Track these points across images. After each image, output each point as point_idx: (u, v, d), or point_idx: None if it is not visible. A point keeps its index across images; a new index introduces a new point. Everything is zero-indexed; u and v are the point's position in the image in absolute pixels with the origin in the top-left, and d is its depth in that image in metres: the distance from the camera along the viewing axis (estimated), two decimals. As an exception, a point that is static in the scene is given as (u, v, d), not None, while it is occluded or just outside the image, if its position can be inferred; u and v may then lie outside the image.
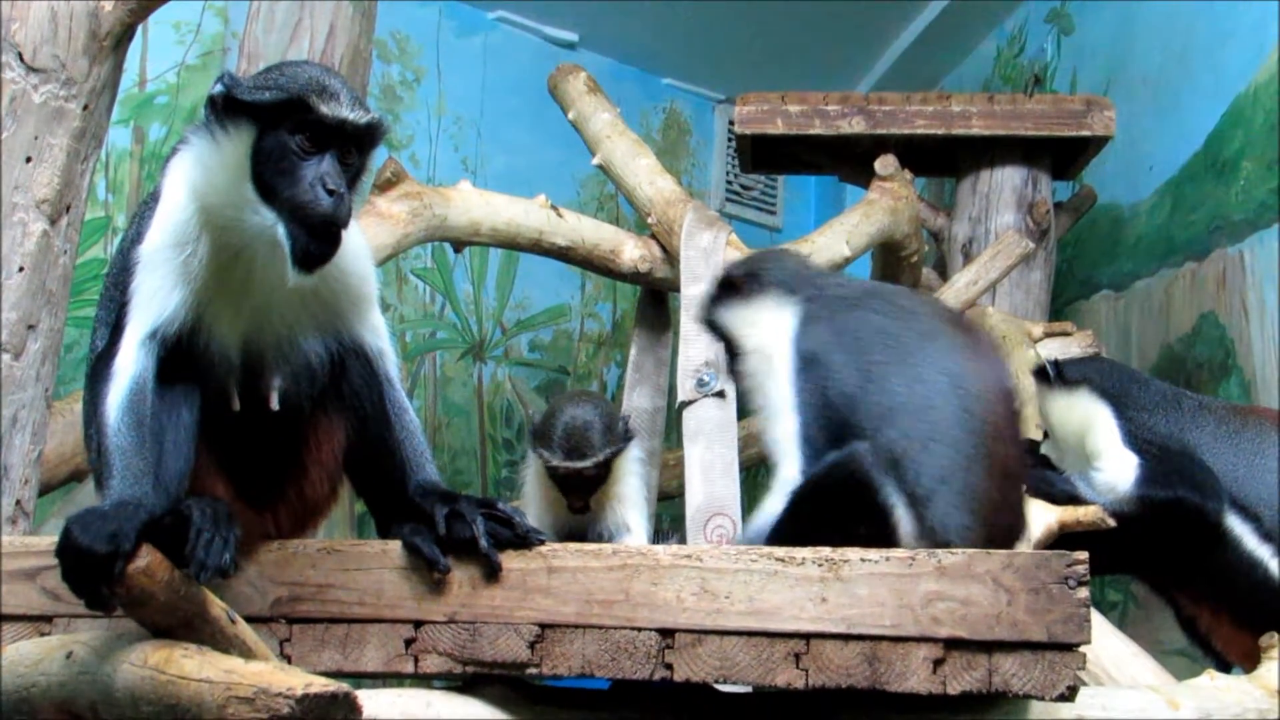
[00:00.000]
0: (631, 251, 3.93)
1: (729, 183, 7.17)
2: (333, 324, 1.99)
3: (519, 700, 1.99)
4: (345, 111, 1.80)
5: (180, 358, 1.87)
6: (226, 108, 1.83)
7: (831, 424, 2.14)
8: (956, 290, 4.33)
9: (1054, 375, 3.03)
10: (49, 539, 2.09)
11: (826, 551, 1.91)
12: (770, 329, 2.32)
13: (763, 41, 6.68)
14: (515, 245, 3.73)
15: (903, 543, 2.05)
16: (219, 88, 1.84)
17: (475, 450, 6.25)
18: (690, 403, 3.54)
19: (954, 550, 1.90)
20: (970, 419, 2.13)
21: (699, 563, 1.93)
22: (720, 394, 3.53)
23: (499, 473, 6.28)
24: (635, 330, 4.11)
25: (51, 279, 2.29)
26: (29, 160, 2.25)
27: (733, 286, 2.43)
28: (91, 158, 2.33)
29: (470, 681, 1.99)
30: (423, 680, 2.00)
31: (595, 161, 4.12)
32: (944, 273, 4.98)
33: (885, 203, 4.36)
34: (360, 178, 1.88)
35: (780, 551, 1.92)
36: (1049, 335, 4.36)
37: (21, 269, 2.25)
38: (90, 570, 1.63)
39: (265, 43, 5.91)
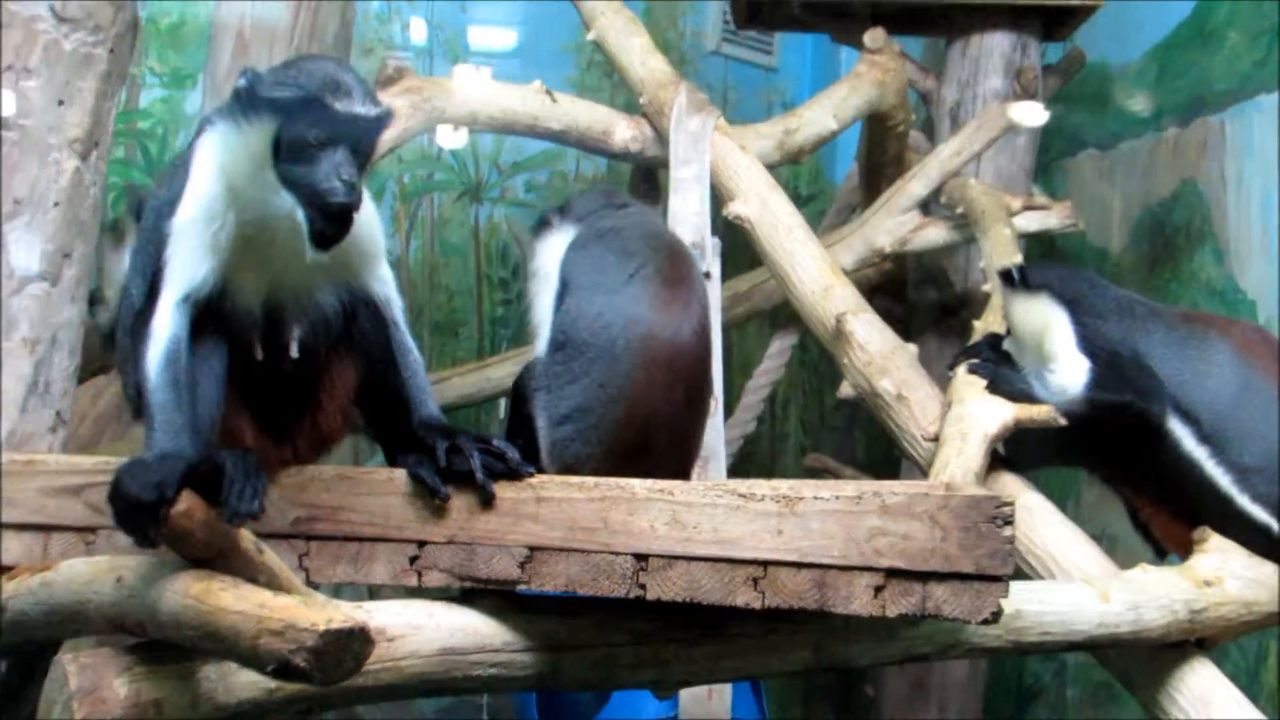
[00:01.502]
0: (623, 132, 4.10)
1: (726, 22, 7.23)
2: (345, 278, 2.21)
3: (509, 609, 2.27)
4: (358, 108, 1.99)
5: (209, 316, 2.10)
6: (250, 101, 2.02)
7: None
8: (941, 160, 4.48)
9: (1018, 279, 3.24)
10: (92, 459, 2.34)
11: (784, 488, 2.16)
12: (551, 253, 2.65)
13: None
14: (511, 130, 3.91)
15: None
16: (243, 82, 2.04)
17: (471, 290, 6.46)
18: (679, 282, 3.73)
19: (897, 491, 2.15)
20: (630, 366, 2.43)
21: (670, 496, 2.18)
22: (707, 274, 3.74)
23: (494, 311, 6.49)
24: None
25: (83, 210, 2.50)
26: (61, 103, 2.43)
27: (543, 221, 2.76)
28: (115, 96, 2.51)
29: (466, 594, 2.25)
30: (424, 592, 2.26)
31: (590, 37, 4.26)
32: (931, 135, 5.12)
33: (873, 75, 4.49)
34: (371, 161, 2.08)
35: (743, 487, 2.17)
36: (1028, 209, 4.52)
37: (57, 204, 2.45)
38: (138, 514, 1.89)
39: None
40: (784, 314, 4.78)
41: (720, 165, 3.91)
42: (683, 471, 2.49)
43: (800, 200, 6.33)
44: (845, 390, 3.62)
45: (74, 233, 2.48)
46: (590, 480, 2.23)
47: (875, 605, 2.11)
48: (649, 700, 3.45)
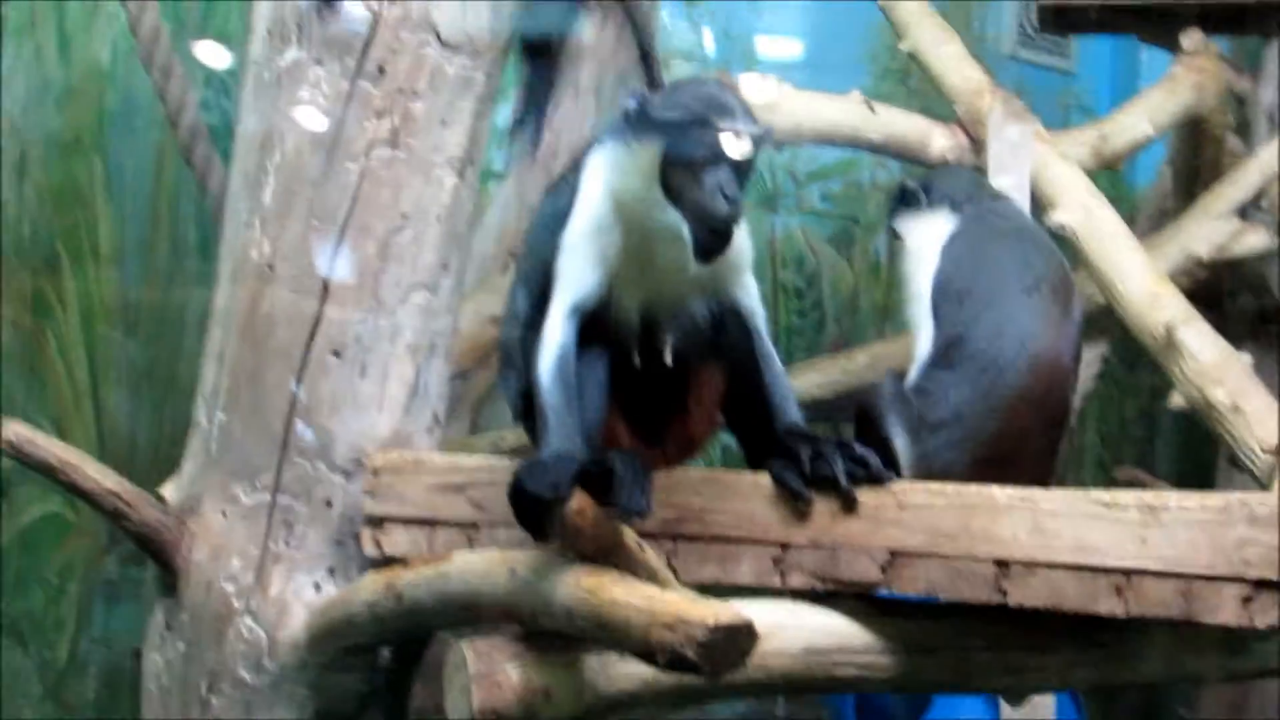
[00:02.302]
0: (940, 141, 4.12)
1: (1021, 26, 7.16)
2: (714, 289, 2.31)
3: (869, 612, 2.34)
4: (743, 129, 2.10)
5: (594, 325, 2.23)
6: (640, 122, 2.15)
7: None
8: (1261, 163, 4.37)
9: None
10: (474, 459, 2.51)
11: (1148, 497, 2.17)
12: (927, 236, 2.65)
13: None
14: (833, 142, 3.98)
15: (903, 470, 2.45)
16: (633, 104, 2.16)
17: (768, 299, 6.53)
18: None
19: (1267, 501, 2.14)
20: (1018, 382, 2.46)
21: (1032, 503, 2.21)
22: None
23: (790, 320, 6.56)
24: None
25: (459, 224, 2.67)
26: (443, 124, 2.61)
27: (908, 194, 2.75)
28: (488, 117, 2.68)
29: (828, 595, 2.33)
30: (788, 593, 2.35)
31: (903, 47, 4.30)
32: (1247, 137, 5.00)
33: (1190, 79, 4.42)
34: (752, 174, 2.18)
35: (1106, 496, 2.19)
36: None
37: (438, 218, 2.62)
38: (536, 511, 2.02)
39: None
40: (1094, 325, 4.72)
41: (1040, 173, 3.90)
42: (1043, 481, 2.52)
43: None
44: (1176, 401, 3.58)
45: (452, 245, 2.65)
46: (951, 487, 2.27)
47: (1243, 616, 2.10)
48: (970, 702, 3.48)
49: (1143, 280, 3.64)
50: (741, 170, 2.12)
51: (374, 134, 2.57)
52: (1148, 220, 5.24)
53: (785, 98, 3.83)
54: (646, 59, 3.58)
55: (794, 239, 6.58)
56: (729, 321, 2.34)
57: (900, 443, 2.47)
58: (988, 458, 2.45)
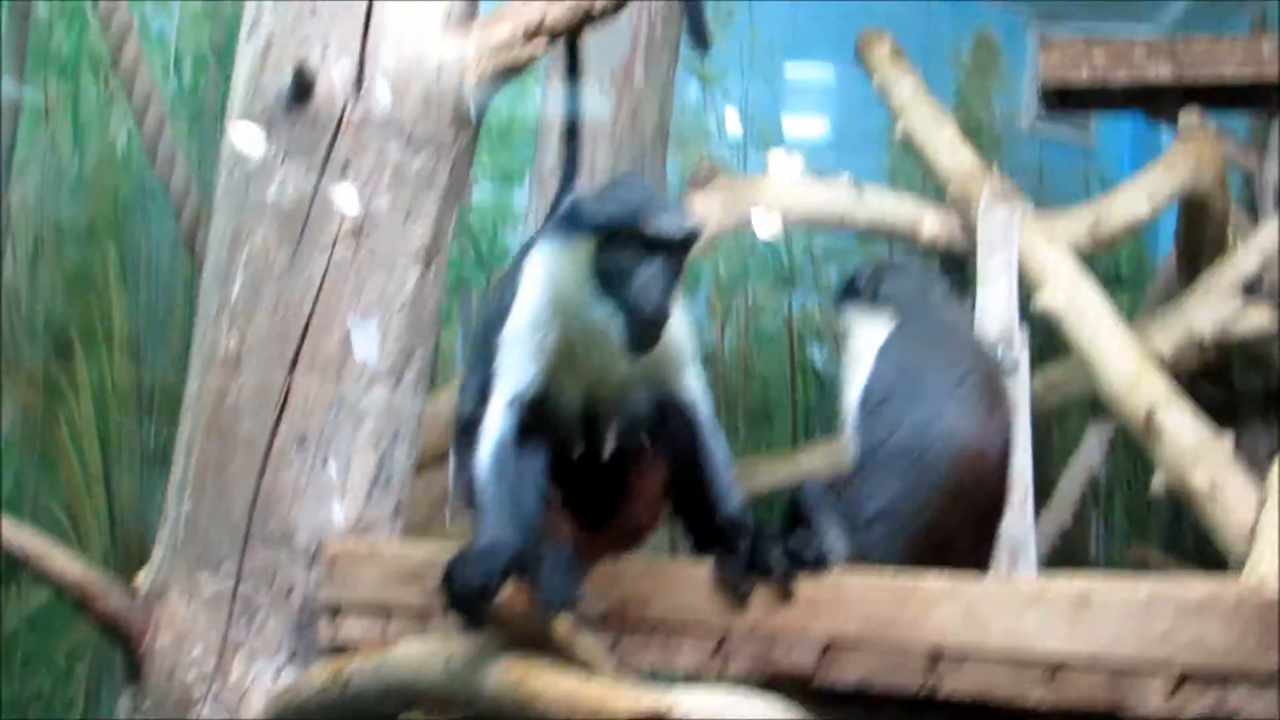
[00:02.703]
0: (931, 224, 4.19)
1: (1040, 103, 7.21)
2: (657, 381, 2.37)
3: (808, 699, 2.36)
4: (671, 228, 2.16)
5: (534, 417, 2.29)
6: (574, 222, 2.22)
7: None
8: (1263, 241, 4.40)
9: None
10: (428, 547, 2.56)
11: (1076, 585, 2.20)
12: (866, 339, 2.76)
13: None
14: (821, 225, 4.04)
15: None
16: (568, 206, 2.24)
17: (785, 377, 6.58)
18: (987, 373, 3.78)
19: (1193, 589, 2.15)
20: (945, 477, 2.53)
21: (965, 593, 2.24)
22: (1016, 366, 3.77)
23: (808, 399, 6.59)
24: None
25: (425, 313, 2.74)
26: (407, 218, 2.69)
27: (857, 289, 2.85)
28: (454, 210, 2.76)
29: (768, 683, 2.36)
30: (728, 680, 2.38)
31: (898, 131, 4.37)
32: (1254, 213, 5.02)
33: (1188, 158, 4.46)
34: (683, 272, 2.24)
35: (1035, 584, 2.22)
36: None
37: (402, 308, 2.70)
38: (466, 601, 2.08)
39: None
40: (1102, 402, 4.75)
41: (1027, 255, 3.95)
42: (979, 569, 2.55)
43: (1120, 281, 6.26)
44: (1157, 484, 3.60)
45: (416, 334, 2.72)
46: (885, 576, 2.30)
47: (1170, 707, 2.11)
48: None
49: (1125, 362, 3.67)
50: (671, 266, 2.18)
51: (338, 229, 2.65)
52: (1156, 296, 5.27)
53: (771, 183, 3.89)
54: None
55: (811, 318, 6.63)
56: (671, 413, 2.39)
57: (834, 538, 2.52)
58: (921, 550, 2.50)
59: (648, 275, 2.15)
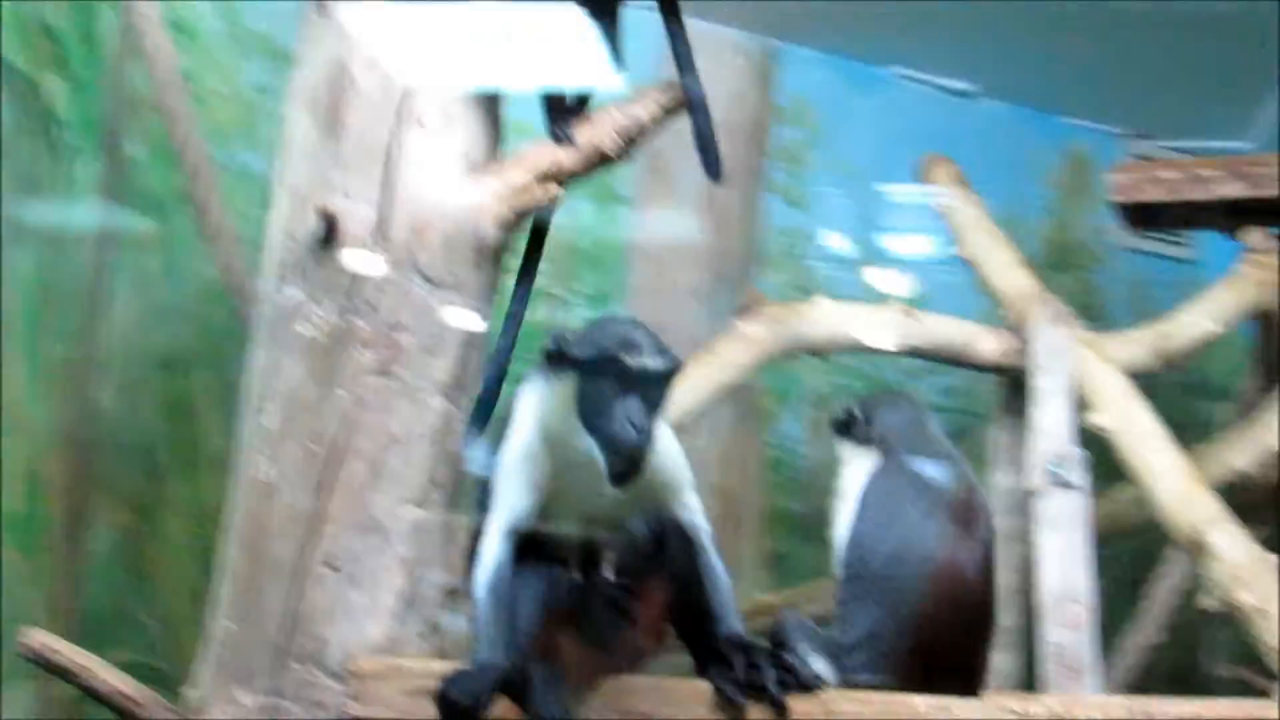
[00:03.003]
0: (987, 345, 4.23)
1: (1136, 218, 7.20)
2: (653, 506, 2.49)
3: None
4: (647, 363, 2.29)
5: (534, 541, 2.42)
6: (557, 359, 2.36)
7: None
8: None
9: None
10: (446, 665, 2.67)
11: (1057, 705, 2.25)
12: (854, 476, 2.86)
13: (1166, 76, 6.67)
14: (871, 349, 4.12)
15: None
16: (551, 344, 2.38)
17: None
18: (1041, 492, 3.82)
19: (1184, 711, 2.19)
20: (920, 602, 2.62)
21: (949, 712, 2.30)
22: (1070, 485, 3.81)
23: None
24: (997, 413, 4.41)
25: (449, 442, 2.88)
26: (430, 354, 2.84)
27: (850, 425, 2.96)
28: (480, 345, 2.90)
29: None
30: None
31: (959, 254, 4.44)
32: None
33: (1255, 275, 4.46)
34: (663, 404, 2.36)
35: (1018, 703, 2.28)
36: None
37: (426, 439, 2.84)
38: (457, 717, 2.19)
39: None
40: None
41: (1081, 376, 3.98)
42: (970, 690, 2.60)
43: (1213, 392, 6.20)
44: (1206, 602, 3.59)
45: (441, 464, 2.86)
46: (876, 695, 2.38)
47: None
48: None
49: (1176, 481, 3.69)
50: (650, 400, 2.31)
51: (364, 364, 2.81)
52: (1239, 409, 5.22)
53: (818, 309, 3.99)
54: None
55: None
56: (671, 536, 2.51)
57: (820, 666, 2.59)
58: (908, 673, 2.56)
59: (626, 409, 2.28)
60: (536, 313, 6.26)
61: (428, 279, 2.83)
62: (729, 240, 6.58)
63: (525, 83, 3.00)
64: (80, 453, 4.28)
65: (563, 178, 2.87)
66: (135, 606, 4.44)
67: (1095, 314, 7.25)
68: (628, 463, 2.31)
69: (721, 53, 6.55)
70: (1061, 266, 7.30)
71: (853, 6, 5.85)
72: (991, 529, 2.79)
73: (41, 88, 4.20)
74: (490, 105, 2.96)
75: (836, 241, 6.84)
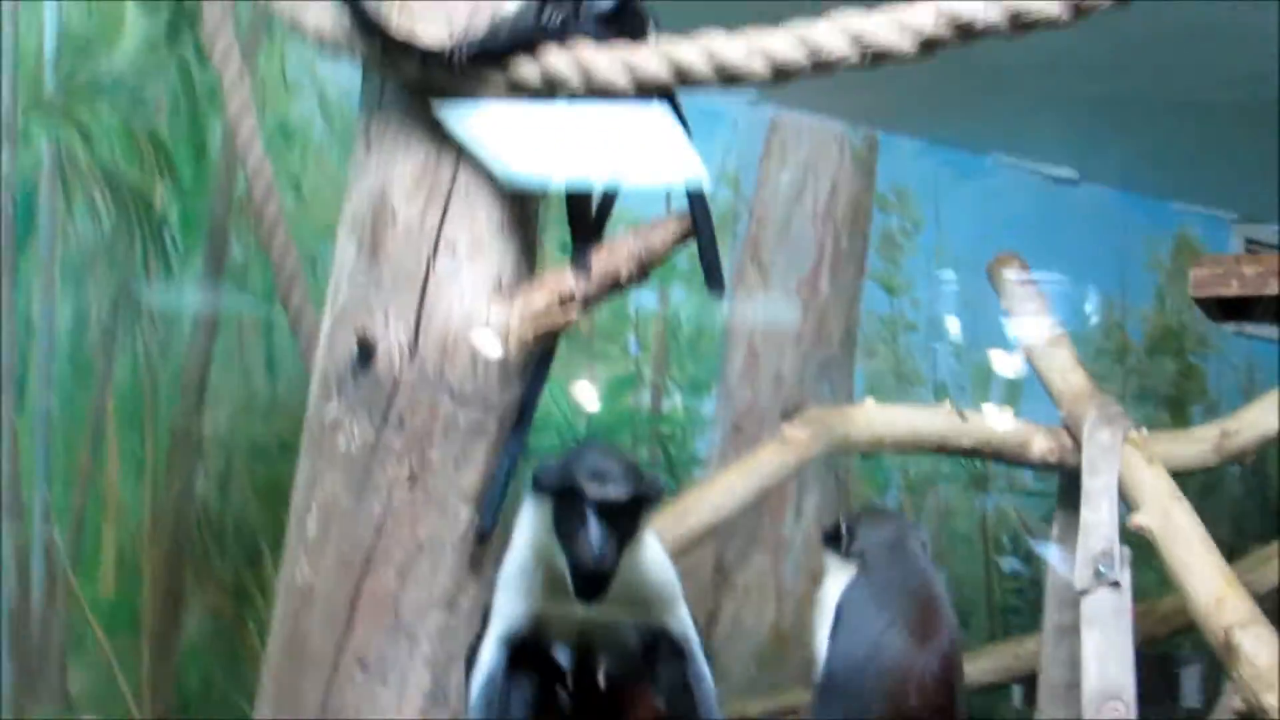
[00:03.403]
0: (1041, 444, 4.31)
1: (1245, 301, 7.16)
2: (643, 617, 2.66)
3: None
4: (609, 493, 2.48)
5: (529, 650, 2.61)
6: (537, 485, 2.56)
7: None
8: None
9: None
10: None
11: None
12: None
13: (1275, 161, 6.65)
14: (920, 449, 4.22)
15: None
16: (535, 471, 2.58)
17: (981, 581, 6.63)
18: (1087, 590, 3.89)
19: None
20: (886, 706, 2.83)
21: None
22: (1116, 584, 3.87)
23: (1005, 599, 6.62)
24: (1056, 510, 4.47)
25: (477, 552, 3.07)
26: (457, 466, 3.04)
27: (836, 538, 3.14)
28: (508, 464, 3.09)
29: None
30: None
31: (1022, 355, 4.53)
32: None
33: (1324, 373, 4.47)
34: (638, 528, 2.54)
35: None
36: None
37: (454, 547, 3.04)
38: None
39: (773, 206, 6.65)
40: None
41: (1128, 476, 4.04)
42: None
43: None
44: (1235, 704, 3.62)
45: (467, 572, 3.05)
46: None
47: None
48: None
49: (1211, 582, 3.73)
50: (616, 525, 2.49)
51: (395, 475, 3.02)
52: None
53: (863, 412, 4.11)
54: None
55: (1007, 519, 6.69)
56: (661, 646, 2.67)
57: None
58: None
59: (589, 534, 2.48)
60: (640, 398, 6.51)
61: (456, 395, 3.03)
62: (828, 327, 6.71)
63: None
64: (175, 538, 4.53)
65: (582, 302, 3.04)
66: (230, 690, 4.66)
67: (1200, 398, 7.24)
68: (591, 581, 2.50)
69: (824, 143, 6.72)
70: (1167, 351, 7.30)
71: (952, 96, 5.95)
72: (956, 641, 2.94)
73: (150, 193, 4.49)
74: (522, 228, 3.16)
75: (937, 328, 6.94)
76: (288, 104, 4.80)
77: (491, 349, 3.01)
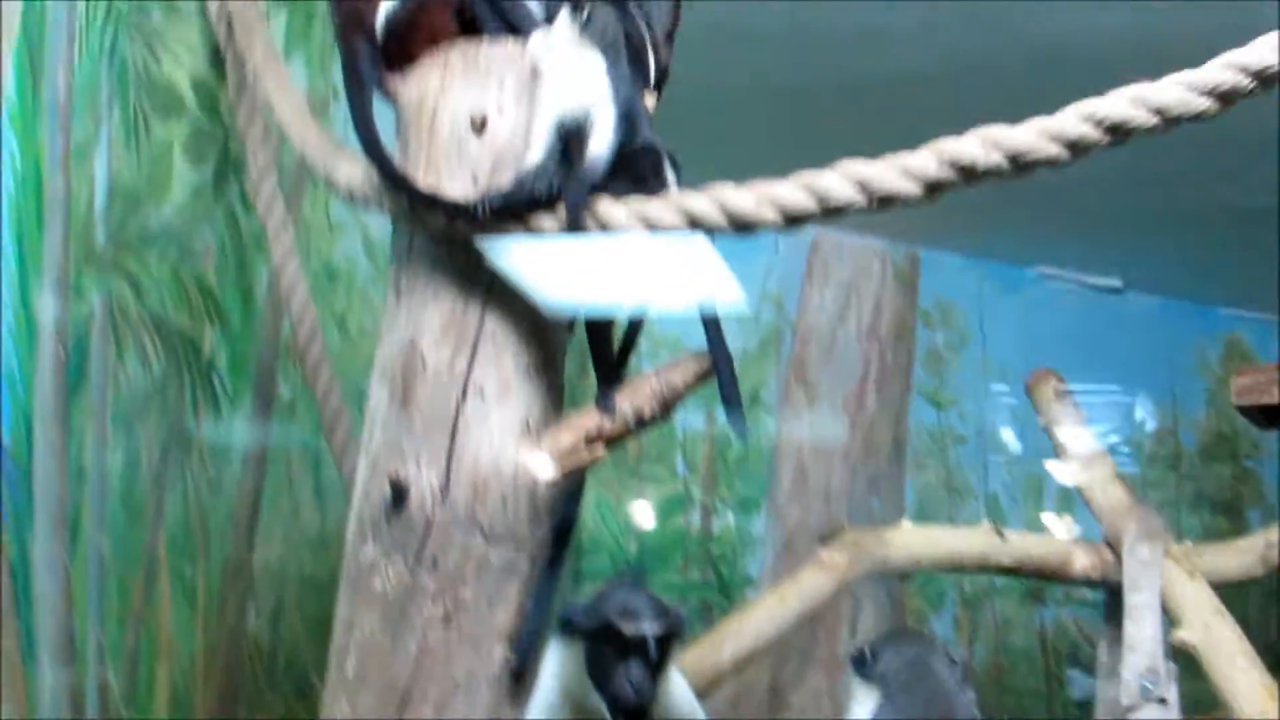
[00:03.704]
0: (1082, 560, 4.33)
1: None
2: None
3: None
4: (644, 629, 2.54)
5: None
6: (568, 627, 2.62)
7: None
8: None
9: None
10: None
11: None
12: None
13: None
14: (960, 569, 4.25)
15: None
16: (562, 613, 2.66)
17: (1041, 692, 6.59)
18: (1134, 708, 3.89)
19: None
20: None
21: None
22: (1162, 700, 3.87)
23: (1068, 713, 6.57)
24: (1102, 625, 4.47)
25: (512, 687, 3.11)
26: (490, 605, 3.10)
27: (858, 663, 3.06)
28: (542, 601, 3.14)
29: None
30: None
31: (1063, 475, 4.56)
32: None
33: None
34: (669, 661, 2.60)
35: None
36: None
37: (488, 684, 3.09)
38: None
39: (817, 325, 6.72)
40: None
41: (1169, 591, 4.05)
42: None
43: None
44: (1272, 818, 3.60)
45: (503, 708, 3.09)
46: None
47: None
48: None
49: (1254, 698, 3.73)
50: (649, 659, 2.55)
51: (430, 615, 3.08)
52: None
53: (901, 534, 4.14)
54: None
55: (1066, 630, 6.65)
56: (688, 774, 2.72)
57: None
58: None
59: (627, 670, 2.53)
60: (690, 518, 6.56)
61: (487, 534, 3.10)
62: (876, 443, 6.75)
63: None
64: (228, 673, 4.59)
65: (607, 440, 3.11)
66: (282, 818, 4.71)
67: (1257, 501, 7.20)
68: (631, 716, 2.55)
69: (866, 261, 6.81)
70: (1221, 456, 7.28)
71: (993, 211, 6.03)
72: None
73: (199, 338, 4.61)
74: (548, 370, 3.24)
75: (986, 440, 6.95)
76: (332, 245, 4.93)
77: (544, 470, 3.07)
